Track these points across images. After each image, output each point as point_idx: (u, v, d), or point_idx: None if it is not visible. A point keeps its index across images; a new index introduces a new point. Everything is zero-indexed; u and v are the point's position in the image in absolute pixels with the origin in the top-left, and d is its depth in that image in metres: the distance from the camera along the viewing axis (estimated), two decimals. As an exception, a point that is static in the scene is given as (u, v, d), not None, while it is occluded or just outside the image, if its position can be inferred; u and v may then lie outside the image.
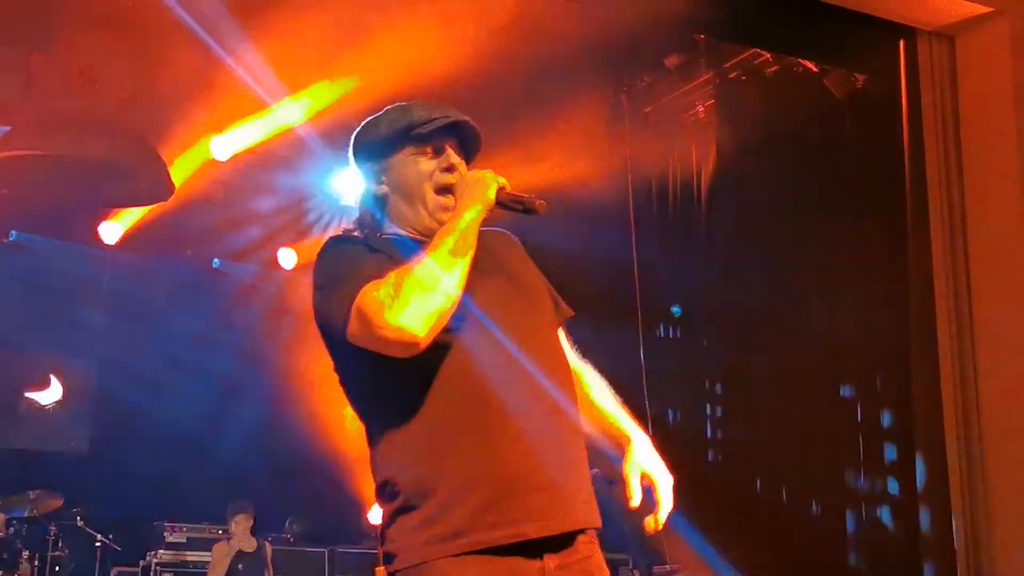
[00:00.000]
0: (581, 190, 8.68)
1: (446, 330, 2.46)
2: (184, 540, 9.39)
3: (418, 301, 2.37)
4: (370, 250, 2.61)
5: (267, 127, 9.12)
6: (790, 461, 7.64)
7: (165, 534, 9.33)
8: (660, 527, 2.66)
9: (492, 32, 7.29)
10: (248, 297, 10.34)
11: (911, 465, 6.87)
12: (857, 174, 7.55)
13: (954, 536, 6.62)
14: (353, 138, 2.81)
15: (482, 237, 2.61)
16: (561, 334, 2.90)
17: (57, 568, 8.83)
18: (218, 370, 10.08)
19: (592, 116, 8.43)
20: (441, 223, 2.62)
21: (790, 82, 7.95)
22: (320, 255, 2.65)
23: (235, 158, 9.33)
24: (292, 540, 9.77)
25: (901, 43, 7.26)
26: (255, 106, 8.91)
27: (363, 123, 2.81)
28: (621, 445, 2.82)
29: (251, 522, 8.94)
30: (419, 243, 2.61)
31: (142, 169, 9.10)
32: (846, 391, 7.57)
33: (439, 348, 2.46)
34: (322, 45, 7.84)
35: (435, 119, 2.69)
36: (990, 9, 6.92)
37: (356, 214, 2.80)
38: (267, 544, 9.08)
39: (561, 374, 2.67)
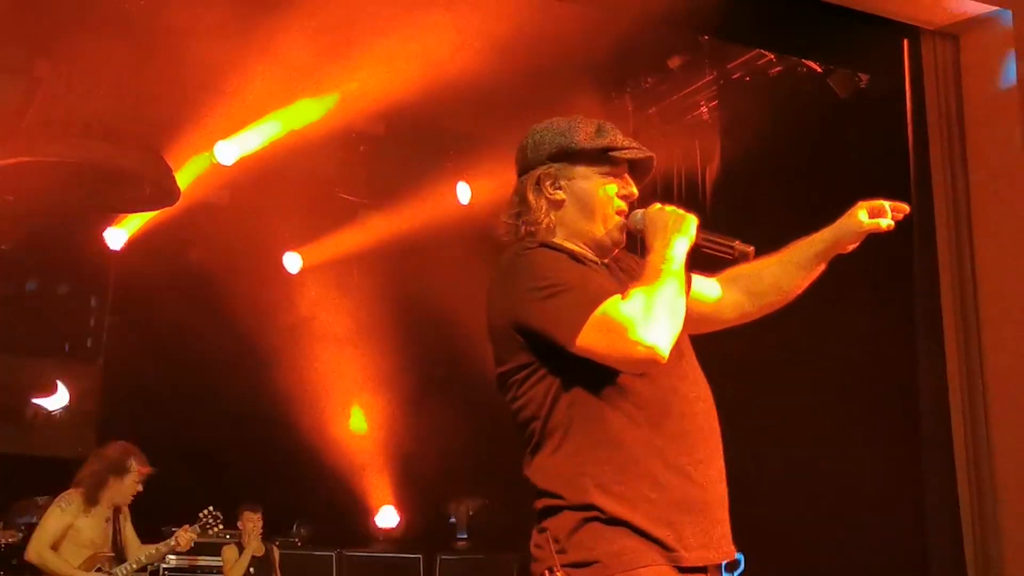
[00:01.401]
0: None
1: None
2: (192, 545, 9.36)
3: (667, 323, 2.48)
4: (578, 262, 2.68)
5: (272, 132, 9.18)
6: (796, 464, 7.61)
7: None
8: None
9: (494, 38, 7.30)
10: (255, 301, 10.33)
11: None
12: (861, 174, 7.53)
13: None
14: (537, 136, 2.86)
15: (625, 260, 2.84)
16: None
17: (65, 574, 8.81)
18: (226, 375, 10.07)
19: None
20: (614, 243, 2.80)
21: (794, 83, 7.94)
22: (526, 256, 2.66)
23: (240, 162, 9.38)
24: (299, 543, 9.77)
25: (905, 43, 7.25)
26: (260, 111, 8.98)
27: (551, 124, 2.86)
28: (842, 235, 3.00)
29: (260, 523, 8.93)
30: (594, 261, 2.75)
31: (147, 174, 9.15)
32: (851, 395, 7.53)
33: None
34: (323, 54, 7.88)
35: (634, 148, 2.80)
36: (994, 8, 6.92)
37: (522, 210, 2.83)
38: (274, 548, 9.08)
39: (712, 404, 2.76)
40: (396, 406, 10.93)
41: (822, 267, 3.06)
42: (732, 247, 2.76)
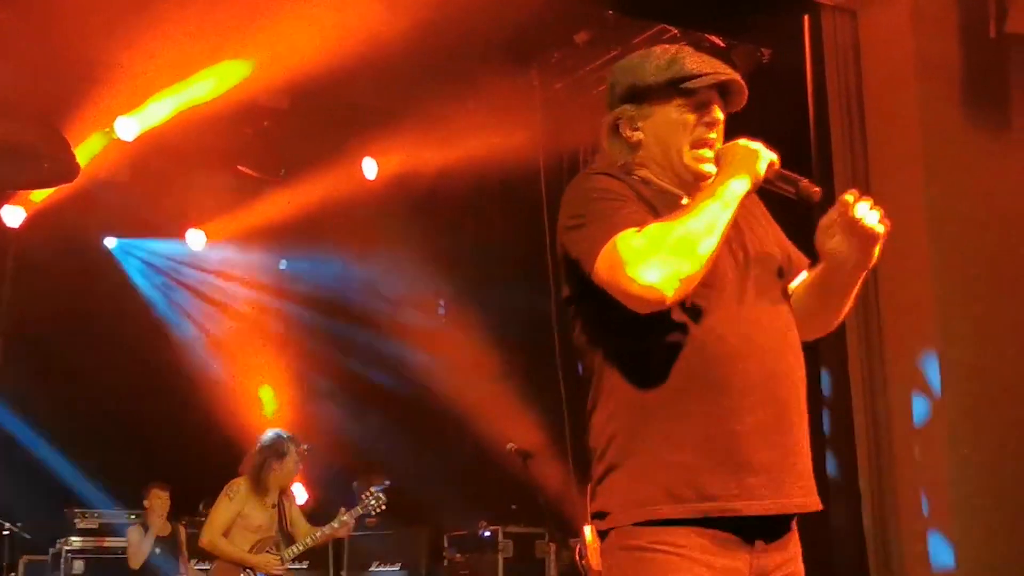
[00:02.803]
0: (494, 165, 8.72)
1: (694, 295, 2.42)
2: (96, 526, 9.26)
3: (672, 262, 2.33)
4: (635, 194, 2.54)
5: (173, 106, 9.02)
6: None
7: (76, 521, 9.18)
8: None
9: (400, 11, 7.28)
10: (157, 276, 10.21)
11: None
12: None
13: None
14: (612, 79, 2.75)
15: (750, 218, 2.64)
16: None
17: (-37, 558, 8.68)
18: (128, 352, 9.92)
19: (503, 92, 8.44)
20: (695, 176, 2.60)
21: (698, 58, 8.01)
22: (578, 185, 2.59)
23: (141, 138, 9.22)
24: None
25: (806, 18, 7.35)
26: (161, 86, 8.85)
27: (625, 62, 2.75)
28: (831, 241, 2.64)
29: (168, 502, 8.86)
30: (675, 196, 2.57)
31: (44, 150, 8.97)
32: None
33: (685, 312, 2.44)
34: (224, 26, 7.78)
35: (707, 74, 2.61)
36: (891, -16, 7.05)
37: (600, 156, 2.73)
38: (181, 527, 8.99)
39: (795, 350, 2.57)
40: (303, 384, 10.87)
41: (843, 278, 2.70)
42: (797, 185, 2.57)
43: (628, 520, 2.42)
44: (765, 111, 7.75)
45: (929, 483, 6.81)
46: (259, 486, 7.37)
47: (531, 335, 9.28)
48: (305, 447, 7.85)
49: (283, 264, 11.14)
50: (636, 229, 2.37)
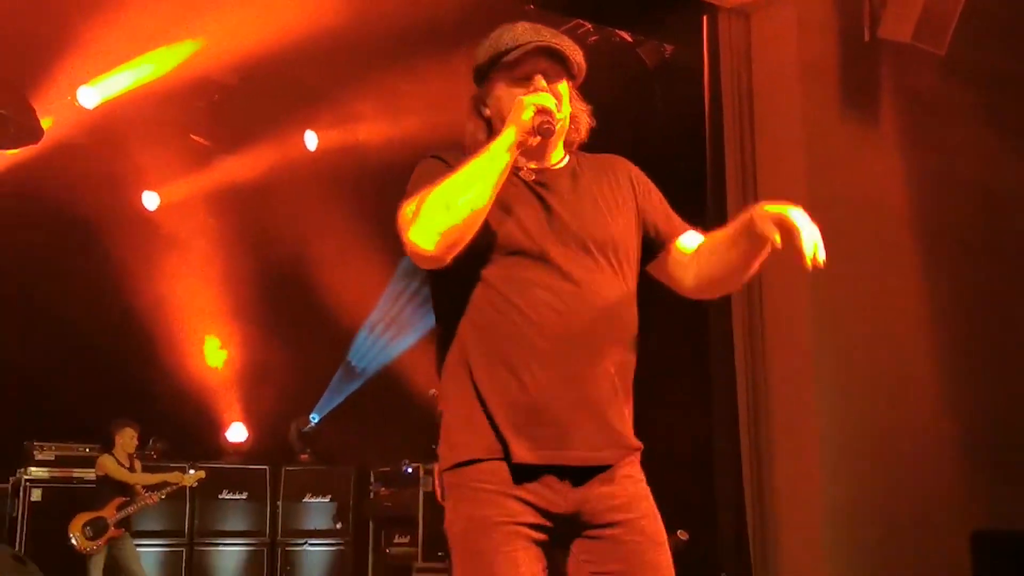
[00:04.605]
0: (424, 140, 8.65)
1: (507, 252, 2.37)
2: (53, 458, 9.12)
3: (430, 217, 2.27)
4: (449, 168, 2.41)
5: (132, 79, 8.95)
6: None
7: (35, 452, 9.04)
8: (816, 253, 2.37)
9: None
10: (115, 235, 10.02)
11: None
12: (666, 138, 7.63)
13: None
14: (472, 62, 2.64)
15: (581, 163, 2.56)
16: (686, 239, 2.68)
17: (-75, 489, 8.50)
18: (87, 304, 9.73)
19: (434, 74, 8.37)
20: (529, 143, 2.44)
21: (609, 51, 7.98)
22: (414, 172, 2.52)
23: (101, 107, 9.16)
24: (156, 456, 9.56)
25: (704, 18, 7.35)
26: (121, 58, 8.76)
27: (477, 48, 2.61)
28: (751, 226, 2.44)
29: (136, 440, 8.68)
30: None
31: (10, 114, 8.81)
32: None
33: (497, 268, 2.37)
34: (180, 5, 7.70)
35: (519, 45, 2.48)
36: (781, -9, 7.07)
37: (467, 132, 2.62)
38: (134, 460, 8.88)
39: (605, 313, 2.45)
40: (245, 334, 10.78)
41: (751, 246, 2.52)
42: (551, 121, 2.42)
43: (452, 462, 2.43)
44: (668, 102, 7.82)
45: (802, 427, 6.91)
46: None
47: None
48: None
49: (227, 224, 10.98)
50: (412, 198, 2.34)
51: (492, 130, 2.53)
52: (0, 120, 8.97)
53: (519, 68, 2.50)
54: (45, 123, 9.09)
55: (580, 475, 2.40)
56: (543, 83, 2.48)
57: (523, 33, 2.51)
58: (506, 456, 2.35)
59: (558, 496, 2.38)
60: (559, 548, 2.43)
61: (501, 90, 2.52)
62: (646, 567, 2.40)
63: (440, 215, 2.27)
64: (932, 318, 7.37)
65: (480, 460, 2.37)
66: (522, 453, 2.35)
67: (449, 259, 2.32)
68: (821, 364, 6.86)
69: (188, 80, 8.92)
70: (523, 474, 2.36)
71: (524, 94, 2.44)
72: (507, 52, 2.49)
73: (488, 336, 2.39)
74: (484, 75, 2.57)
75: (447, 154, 2.53)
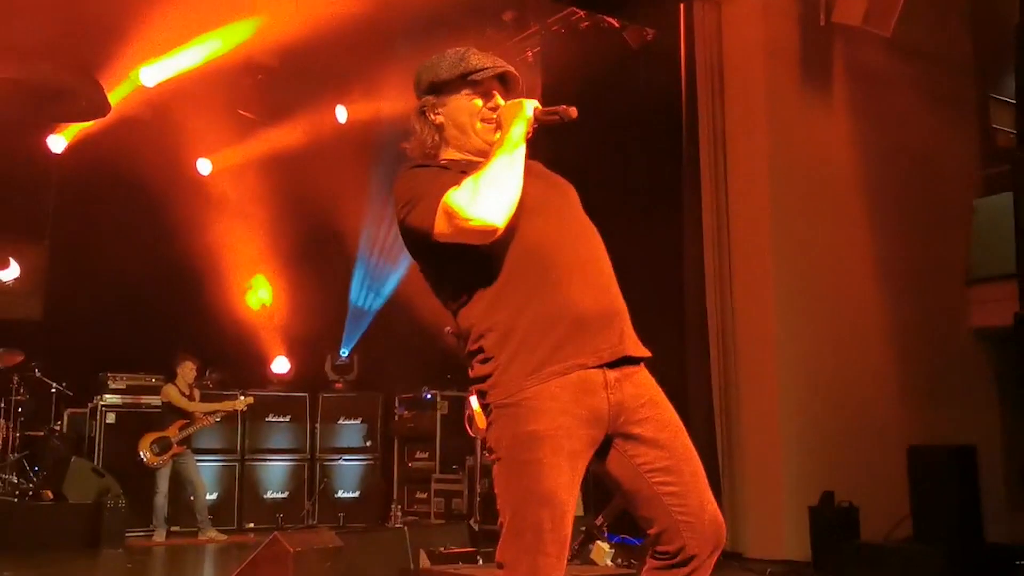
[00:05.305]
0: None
1: (523, 221, 2.47)
2: (124, 386, 9.23)
3: (494, 196, 2.38)
4: (442, 169, 2.57)
5: (186, 61, 8.96)
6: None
7: (108, 382, 9.15)
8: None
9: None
10: (174, 196, 10.01)
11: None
12: (647, 112, 7.60)
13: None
14: (417, 75, 2.73)
15: (534, 165, 2.63)
16: None
17: (20, 409, 8.62)
18: (152, 253, 9.74)
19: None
20: (487, 143, 2.60)
21: (598, 35, 7.94)
22: (399, 180, 2.57)
23: (160, 85, 9.18)
24: (211, 386, 9.65)
25: (681, 6, 7.31)
26: (176, 43, 8.76)
27: (427, 63, 2.71)
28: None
29: (195, 371, 8.83)
30: (473, 164, 2.55)
31: (82, 90, 8.81)
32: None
33: (507, 232, 2.45)
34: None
35: (488, 68, 2.65)
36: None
37: (413, 136, 2.71)
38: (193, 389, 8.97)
39: (595, 240, 2.61)
40: (287, 278, 10.83)
41: None
42: (559, 113, 2.59)
43: (512, 390, 2.44)
44: (649, 80, 7.78)
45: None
46: None
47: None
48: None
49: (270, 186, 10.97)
50: (455, 187, 2.41)
51: (442, 135, 2.68)
52: (72, 96, 8.97)
53: (481, 86, 2.66)
54: (112, 99, 9.08)
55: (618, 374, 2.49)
56: (500, 100, 2.67)
57: (485, 59, 2.68)
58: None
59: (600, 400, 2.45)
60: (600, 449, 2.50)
61: (461, 101, 2.67)
62: (683, 450, 2.50)
63: (503, 193, 2.40)
64: (876, 268, 7.41)
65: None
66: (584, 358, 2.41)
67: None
68: (783, 307, 6.91)
69: (235, 63, 8.98)
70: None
71: (487, 106, 2.64)
72: (476, 72, 2.64)
73: (530, 274, 2.47)
74: (442, 87, 2.68)
75: (425, 163, 2.64)
